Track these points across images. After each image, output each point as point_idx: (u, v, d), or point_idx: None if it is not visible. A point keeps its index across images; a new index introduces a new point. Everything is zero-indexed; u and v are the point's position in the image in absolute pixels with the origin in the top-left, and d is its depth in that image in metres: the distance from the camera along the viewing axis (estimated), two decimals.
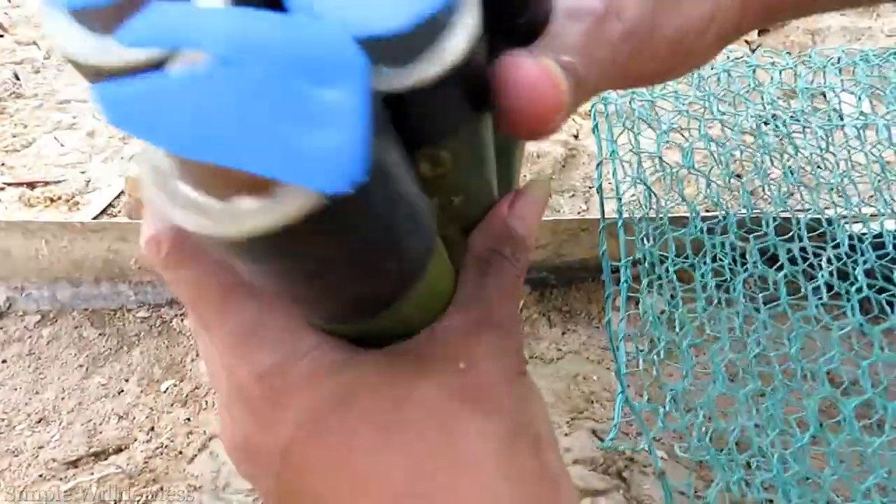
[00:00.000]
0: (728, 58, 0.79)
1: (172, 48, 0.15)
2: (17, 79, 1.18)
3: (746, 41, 1.27)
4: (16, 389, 0.71)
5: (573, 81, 0.23)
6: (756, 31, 1.27)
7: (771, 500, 0.59)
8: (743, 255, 0.71)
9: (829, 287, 0.69)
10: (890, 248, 0.71)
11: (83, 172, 1.00)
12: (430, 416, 0.24)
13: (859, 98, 0.78)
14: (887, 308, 0.68)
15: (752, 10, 0.29)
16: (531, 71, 0.21)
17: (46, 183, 0.98)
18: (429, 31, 0.18)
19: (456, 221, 0.29)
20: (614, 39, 0.24)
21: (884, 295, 0.69)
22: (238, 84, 0.14)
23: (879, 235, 0.72)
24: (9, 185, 0.97)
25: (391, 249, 0.21)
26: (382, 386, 0.24)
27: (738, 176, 0.88)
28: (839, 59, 0.80)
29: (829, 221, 0.73)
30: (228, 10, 0.15)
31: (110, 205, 0.94)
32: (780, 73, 0.78)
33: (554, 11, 0.24)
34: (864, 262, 0.70)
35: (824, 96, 0.88)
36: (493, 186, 0.30)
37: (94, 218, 0.91)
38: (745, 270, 0.70)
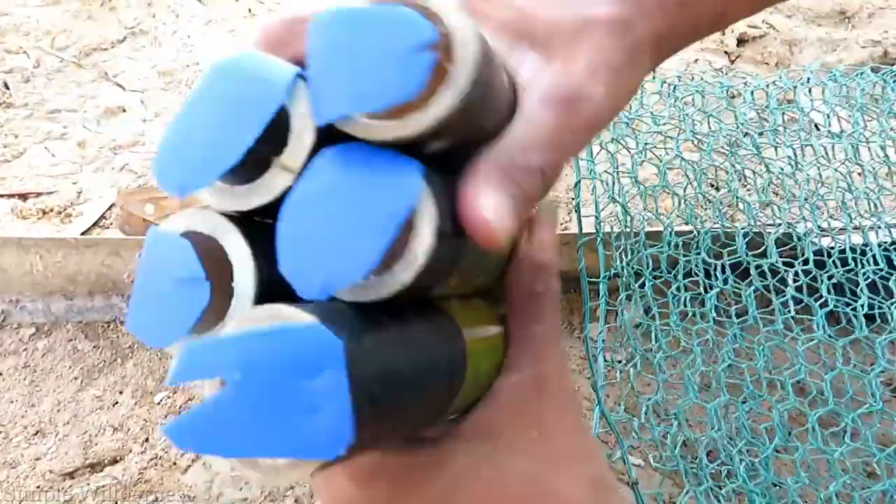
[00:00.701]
0: (703, 78, 0.82)
1: (205, 379, 0.20)
2: (7, 88, 1.19)
3: (726, 52, 1.30)
4: (12, 402, 0.73)
5: (542, 184, 0.26)
6: (735, 43, 1.30)
7: None
8: (716, 270, 0.74)
9: (798, 300, 0.72)
10: (854, 262, 0.74)
11: (74, 183, 1.02)
12: (530, 486, 0.28)
13: (828, 117, 0.81)
14: (853, 320, 0.71)
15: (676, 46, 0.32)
16: (476, 215, 0.24)
17: (38, 194, 0.99)
18: (393, 248, 0.22)
19: (486, 283, 0.31)
20: (581, 127, 0.27)
21: (849, 308, 0.72)
22: (251, 398, 0.19)
23: (845, 250, 0.75)
24: (1, 196, 0.98)
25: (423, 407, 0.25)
26: (484, 476, 0.28)
27: (717, 188, 0.91)
28: (808, 79, 0.83)
29: (798, 237, 0.76)
30: (231, 338, 0.20)
31: (102, 216, 0.96)
32: (752, 93, 0.81)
33: (529, 90, 0.27)
34: (831, 277, 0.73)
35: (801, 111, 0.91)
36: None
37: (87, 230, 0.93)
38: (718, 285, 0.72)
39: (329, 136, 0.23)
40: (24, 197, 0.99)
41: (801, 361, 0.67)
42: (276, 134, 0.23)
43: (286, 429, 0.19)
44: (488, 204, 0.24)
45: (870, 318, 0.71)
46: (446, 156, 0.25)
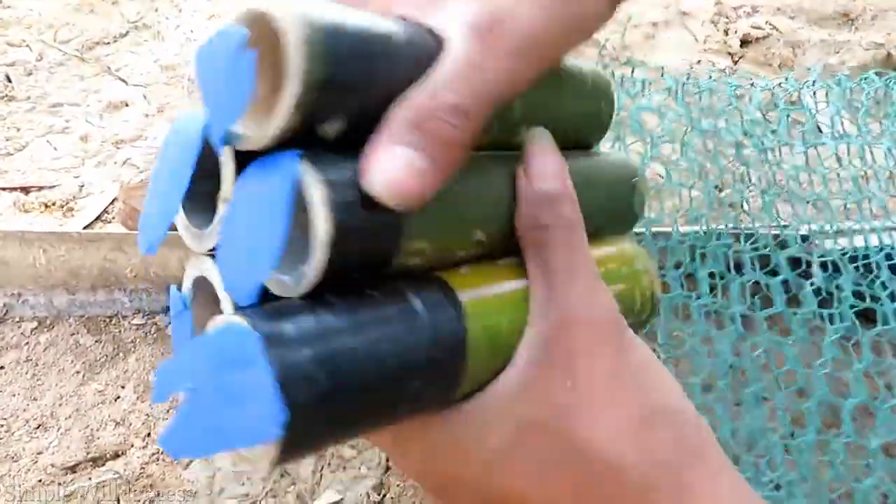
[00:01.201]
0: (710, 77, 0.82)
1: (174, 392, 0.23)
2: (9, 81, 1.19)
3: (729, 53, 1.30)
4: (14, 395, 0.73)
5: (463, 123, 0.24)
6: (739, 44, 1.30)
7: None
8: (728, 268, 0.74)
9: (814, 299, 0.72)
10: (872, 259, 0.74)
11: (76, 177, 1.02)
12: (566, 445, 0.26)
13: (833, 119, 0.81)
14: (857, 322, 0.71)
15: None
16: (369, 179, 0.23)
17: (40, 188, 0.99)
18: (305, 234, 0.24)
19: (498, 235, 0.29)
20: (507, 52, 0.25)
21: (854, 309, 0.72)
22: (202, 401, 0.22)
23: (856, 252, 0.75)
24: (3, 189, 0.98)
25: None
26: (518, 454, 0.27)
27: (720, 189, 0.91)
28: (814, 82, 0.83)
29: (806, 238, 0.76)
30: (185, 352, 0.23)
31: (104, 211, 0.96)
32: (760, 93, 0.81)
33: (450, 30, 0.25)
34: (843, 277, 0.73)
35: (809, 113, 0.91)
36: (509, 185, 0.30)
37: (89, 224, 0.93)
38: (733, 283, 0.72)
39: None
40: (26, 190, 0.98)
41: (827, 358, 0.67)
42: (214, 172, 0.25)
43: (231, 422, 0.22)
44: (383, 165, 0.23)
45: (879, 318, 0.71)
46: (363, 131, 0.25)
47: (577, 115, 0.36)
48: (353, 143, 0.25)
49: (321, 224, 0.23)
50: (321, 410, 0.22)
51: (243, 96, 0.23)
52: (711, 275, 0.73)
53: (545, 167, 0.29)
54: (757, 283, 0.71)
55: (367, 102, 0.25)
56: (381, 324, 0.24)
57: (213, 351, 0.22)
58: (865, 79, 0.82)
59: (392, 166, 0.23)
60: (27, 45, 1.25)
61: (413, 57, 0.26)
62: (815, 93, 0.83)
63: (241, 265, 0.24)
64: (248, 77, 0.23)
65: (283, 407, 0.21)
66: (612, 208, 0.37)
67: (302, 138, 0.24)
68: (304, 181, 0.23)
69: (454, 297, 0.27)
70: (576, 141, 0.36)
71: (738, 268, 0.73)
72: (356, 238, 0.24)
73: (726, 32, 1.34)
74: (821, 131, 0.91)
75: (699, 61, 1.28)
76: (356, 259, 0.24)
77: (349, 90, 0.24)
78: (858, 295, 0.72)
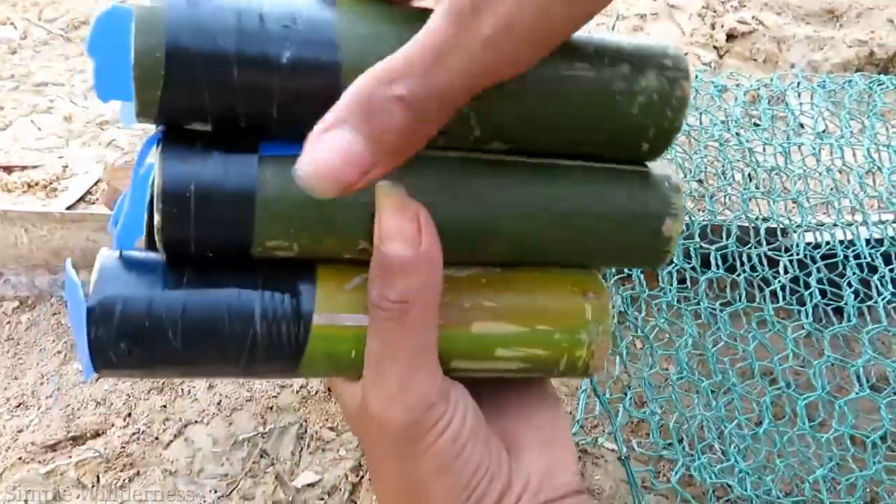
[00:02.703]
0: (697, 76, 0.83)
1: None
2: None
3: (715, 47, 1.31)
4: None
5: (403, 118, 0.21)
6: (725, 38, 1.31)
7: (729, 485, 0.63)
8: (704, 262, 0.75)
9: (783, 294, 0.73)
10: (840, 257, 0.76)
11: (60, 157, 1.01)
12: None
13: (816, 120, 0.83)
14: (831, 315, 0.72)
15: None
16: (301, 160, 0.22)
17: (24, 168, 0.98)
18: None
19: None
20: (478, 41, 0.21)
21: (832, 305, 0.73)
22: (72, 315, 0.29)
23: (833, 246, 0.77)
24: None
25: None
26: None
27: (700, 181, 0.92)
28: (798, 83, 0.84)
29: (784, 231, 0.77)
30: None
31: (88, 192, 0.95)
32: (745, 93, 0.82)
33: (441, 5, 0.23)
34: (817, 271, 0.74)
35: (791, 112, 0.92)
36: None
37: (73, 205, 0.92)
38: (706, 275, 0.73)
39: None
40: (8, 170, 0.98)
41: (788, 351, 0.68)
42: None
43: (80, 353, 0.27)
44: (313, 148, 0.21)
45: (844, 314, 0.72)
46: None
47: (592, 120, 0.29)
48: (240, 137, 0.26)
49: (156, 215, 0.26)
50: (134, 356, 0.27)
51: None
52: (696, 266, 0.74)
53: (385, 227, 0.25)
54: (738, 275, 0.72)
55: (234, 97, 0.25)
56: (214, 301, 0.27)
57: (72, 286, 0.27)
58: (850, 81, 0.84)
59: (322, 150, 0.21)
60: (12, 24, 1.24)
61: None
62: (799, 94, 0.85)
63: (121, 228, 0.28)
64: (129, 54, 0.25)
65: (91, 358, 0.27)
66: (598, 248, 0.31)
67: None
68: (156, 164, 0.26)
69: (307, 316, 0.27)
70: (595, 151, 0.30)
71: (722, 261, 0.75)
72: (193, 227, 0.26)
73: (713, 26, 1.35)
74: (802, 127, 0.92)
75: (686, 54, 1.29)
76: (202, 244, 0.26)
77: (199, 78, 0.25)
78: (831, 283, 0.73)
